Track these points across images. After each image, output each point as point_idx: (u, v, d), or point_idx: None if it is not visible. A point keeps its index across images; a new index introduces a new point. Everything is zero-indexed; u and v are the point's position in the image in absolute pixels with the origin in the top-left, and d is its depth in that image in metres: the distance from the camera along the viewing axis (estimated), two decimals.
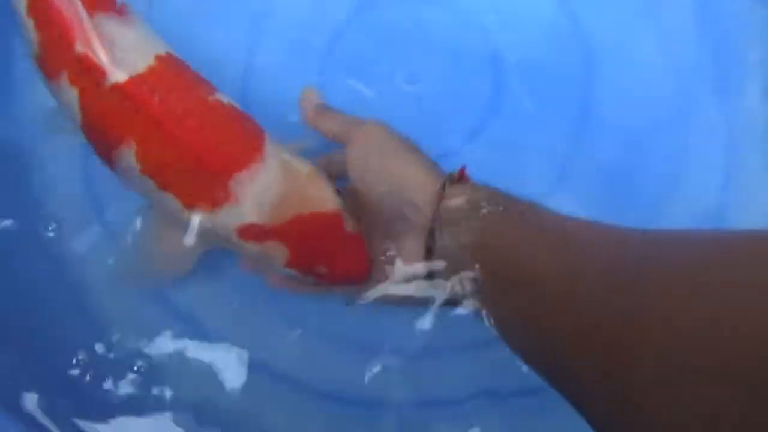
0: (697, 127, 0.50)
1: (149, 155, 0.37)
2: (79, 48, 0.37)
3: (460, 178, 0.38)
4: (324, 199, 0.38)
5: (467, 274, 0.35)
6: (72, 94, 0.38)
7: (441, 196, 0.37)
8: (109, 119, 0.38)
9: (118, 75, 0.37)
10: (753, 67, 0.51)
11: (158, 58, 0.38)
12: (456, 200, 0.36)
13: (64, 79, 0.38)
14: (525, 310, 0.31)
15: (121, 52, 0.37)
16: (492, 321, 0.35)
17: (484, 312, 0.35)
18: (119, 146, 0.37)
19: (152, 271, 0.44)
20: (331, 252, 0.38)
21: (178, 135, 0.36)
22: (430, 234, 0.37)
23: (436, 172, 0.38)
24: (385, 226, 0.39)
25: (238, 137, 0.38)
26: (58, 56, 0.38)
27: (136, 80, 0.37)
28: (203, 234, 0.39)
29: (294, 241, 0.37)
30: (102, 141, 0.39)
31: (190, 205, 0.37)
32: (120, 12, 0.39)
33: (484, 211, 0.35)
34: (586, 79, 0.50)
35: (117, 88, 0.37)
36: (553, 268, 0.30)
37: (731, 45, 0.51)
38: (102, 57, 0.37)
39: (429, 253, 0.37)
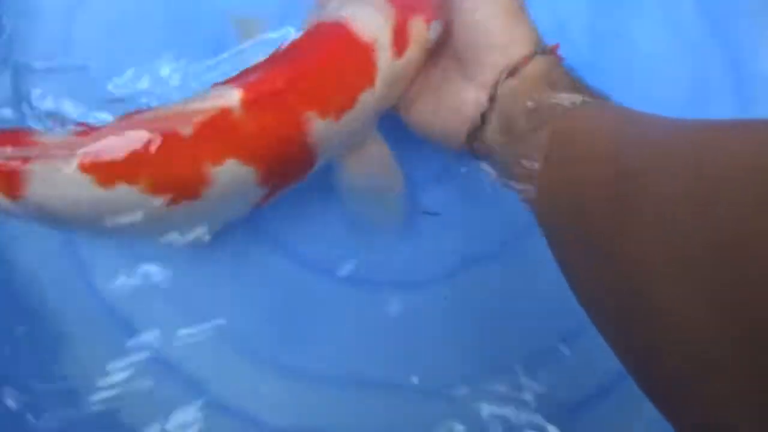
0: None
1: (329, 103, 0.35)
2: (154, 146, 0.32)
3: (551, 52, 0.37)
4: None
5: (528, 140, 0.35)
6: (241, 169, 0.34)
7: (527, 60, 0.36)
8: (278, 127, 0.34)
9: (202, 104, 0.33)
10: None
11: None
12: (538, 68, 0.36)
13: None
14: (588, 173, 0.30)
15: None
16: (532, 189, 0.34)
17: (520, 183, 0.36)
18: (308, 127, 0.35)
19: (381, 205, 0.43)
20: None
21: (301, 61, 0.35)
22: (494, 89, 0.36)
23: (532, 38, 0.37)
24: (458, 67, 0.39)
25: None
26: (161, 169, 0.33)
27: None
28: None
29: None
30: (297, 155, 0.36)
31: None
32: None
33: (562, 86, 0.35)
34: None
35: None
36: (628, 138, 0.30)
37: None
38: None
39: (492, 102, 0.37)
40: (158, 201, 0.33)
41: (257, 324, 0.44)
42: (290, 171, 0.37)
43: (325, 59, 0.36)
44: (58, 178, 0.32)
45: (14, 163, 0.32)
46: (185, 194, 0.34)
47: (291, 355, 0.44)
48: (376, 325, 0.45)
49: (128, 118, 0.33)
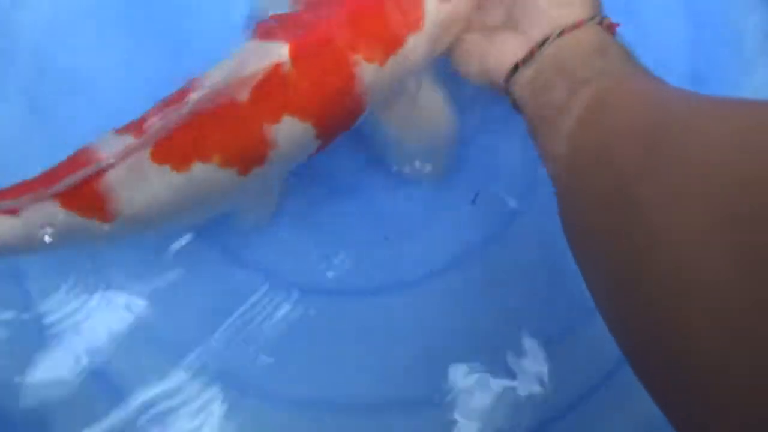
0: None
1: (374, 47, 0.35)
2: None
3: (609, 26, 0.38)
4: None
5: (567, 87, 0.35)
6: (298, 126, 0.35)
7: (581, 24, 0.36)
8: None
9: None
10: None
11: None
12: (589, 35, 0.36)
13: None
14: (622, 128, 0.30)
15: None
16: (559, 145, 0.34)
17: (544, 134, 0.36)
18: (355, 72, 0.35)
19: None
20: None
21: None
22: (539, 46, 0.37)
23: (593, 4, 0.38)
24: (513, 16, 0.39)
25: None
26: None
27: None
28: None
29: None
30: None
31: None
32: None
33: (611, 56, 0.35)
34: None
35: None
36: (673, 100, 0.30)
37: None
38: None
39: (530, 56, 0.37)
40: (232, 171, 0.34)
41: (219, 342, 0.43)
42: (343, 121, 0.37)
43: (372, 2, 0.35)
44: (140, 181, 0.33)
45: (96, 186, 0.33)
46: (254, 159, 0.35)
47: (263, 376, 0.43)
48: (351, 338, 0.44)
49: (180, 96, 0.34)
